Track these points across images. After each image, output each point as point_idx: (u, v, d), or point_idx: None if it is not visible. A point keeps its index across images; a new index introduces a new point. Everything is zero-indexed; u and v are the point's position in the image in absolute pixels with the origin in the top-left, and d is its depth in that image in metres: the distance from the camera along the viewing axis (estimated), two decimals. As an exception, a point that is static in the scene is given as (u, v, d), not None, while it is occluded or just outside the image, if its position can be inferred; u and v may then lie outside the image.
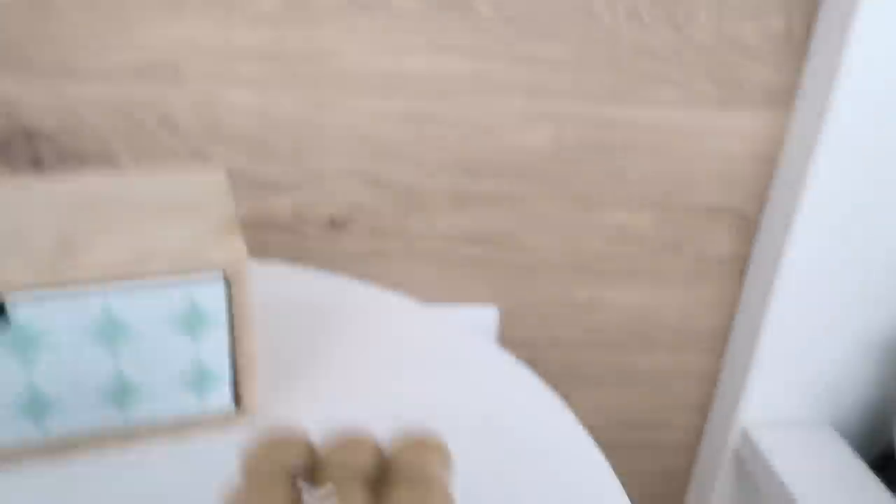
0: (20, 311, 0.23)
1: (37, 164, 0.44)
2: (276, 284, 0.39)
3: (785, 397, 0.51)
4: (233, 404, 0.28)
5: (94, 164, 0.44)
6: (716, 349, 0.53)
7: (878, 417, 0.53)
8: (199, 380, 0.27)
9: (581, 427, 0.31)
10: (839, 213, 0.45)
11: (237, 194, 0.45)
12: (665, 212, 0.48)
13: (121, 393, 0.26)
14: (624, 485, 0.59)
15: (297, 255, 0.48)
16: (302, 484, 0.20)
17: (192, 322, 0.26)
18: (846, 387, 0.51)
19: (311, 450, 0.20)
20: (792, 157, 0.45)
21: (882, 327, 0.49)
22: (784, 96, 0.44)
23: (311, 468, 0.20)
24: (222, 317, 0.26)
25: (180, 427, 0.28)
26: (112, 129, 0.43)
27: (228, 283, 0.26)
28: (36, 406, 0.25)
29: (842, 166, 0.44)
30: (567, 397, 0.54)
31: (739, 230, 0.49)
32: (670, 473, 0.59)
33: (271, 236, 0.47)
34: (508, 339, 0.52)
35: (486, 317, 0.50)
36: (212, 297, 0.26)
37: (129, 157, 0.44)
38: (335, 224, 0.47)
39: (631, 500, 0.60)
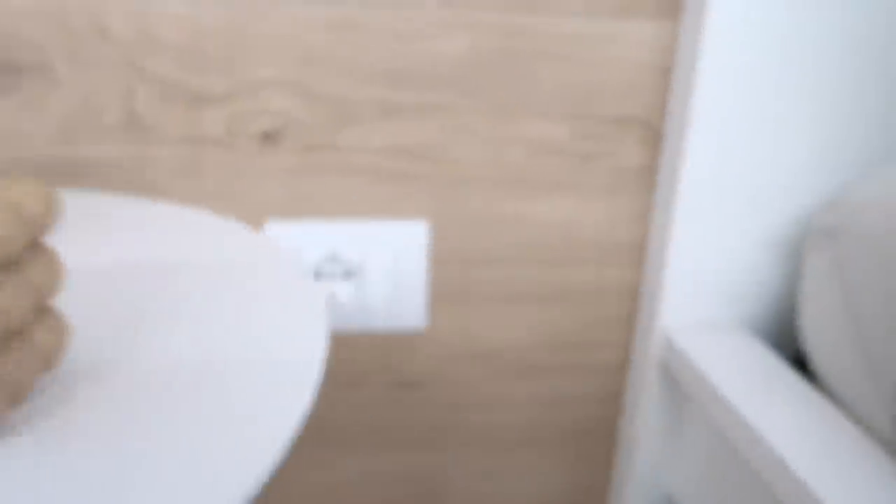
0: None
1: (-28, 76, 0.45)
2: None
3: (702, 303, 0.55)
4: None
5: (30, 74, 0.45)
6: (636, 261, 0.56)
7: (788, 317, 0.57)
8: None
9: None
10: (732, 118, 0.50)
11: (172, 108, 0.47)
12: (578, 122, 0.52)
13: None
14: (556, 410, 0.60)
15: (231, 171, 0.50)
16: None
17: None
18: (757, 288, 0.55)
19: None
20: (682, 66, 0.50)
21: (784, 225, 0.53)
22: (674, 5, 0.49)
23: None
24: None
25: None
26: (46, 38, 0.45)
27: None
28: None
29: (729, 71, 0.48)
30: (499, 316, 0.57)
31: (647, 140, 0.53)
32: (602, 396, 0.61)
33: (205, 152, 0.49)
34: (439, 255, 0.54)
35: (416, 231, 0.53)
36: None
37: (65, 68, 0.46)
38: (268, 138, 0.49)
39: (564, 429, 0.61)
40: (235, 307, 0.33)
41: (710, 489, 0.54)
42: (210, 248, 0.39)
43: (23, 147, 0.47)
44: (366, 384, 0.57)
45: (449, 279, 0.55)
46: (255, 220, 0.51)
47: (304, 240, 0.52)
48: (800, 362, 0.58)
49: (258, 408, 0.26)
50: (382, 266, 0.53)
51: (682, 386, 0.56)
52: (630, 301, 0.58)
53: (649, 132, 0.53)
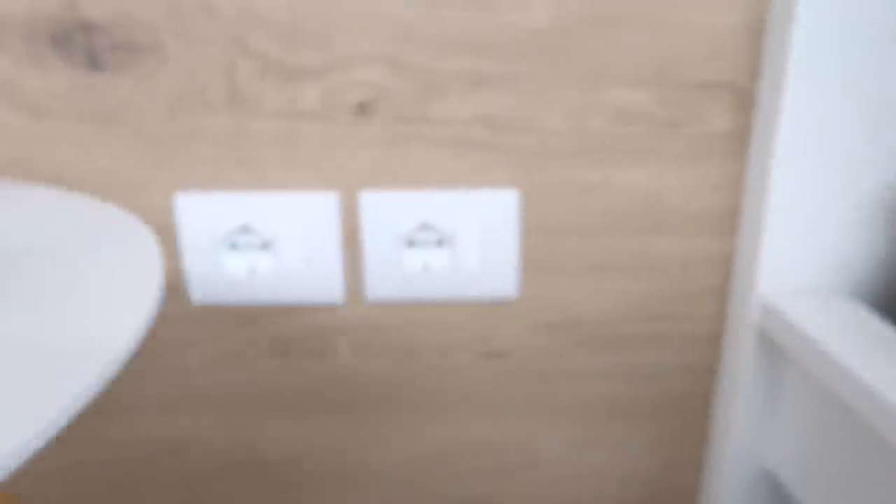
0: None
1: (92, 57, 0.48)
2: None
3: (801, 270, 0.53)
4: None
5: (143, 53, 0.48)
6: (726, 229, 0.55)
7: (891, 281, 0.54)
8: None
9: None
10: (830, 77, 0.49)
11: (271, 82, 0.49)
12: (664, 88, 0.51)
13: None
14: (646, 382, 0.60)
15: (325, 143, 0.51)
16: None
17: None
18: (859, 253, 0.53)
19: None
20: (776, 25, 0.49)
21: (886, 187, 0.51)
22: (765, -38, 0.49)
23: None
24: None
25: None
26: (158, 17, 0.48)
27: None
28: None
29: (826, 28, 0.47)
30: (588, 286, 0.56)
31: (736, 105, 0.52)
32: (694, 368, 0.59)
33: (302, 125, 0.51)
34: (525, 224, 0.54)
35: (507, 201, 0.53)
36: None
37: (174, 45, 0.48)
38: (362, 109, 0.51)
39: (654, 402, 0.60)
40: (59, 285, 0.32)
41: (816, 460, 0.52)
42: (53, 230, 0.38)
43: (138, 122, 0.50)
44: (455, 353, 0.58)
45: (536, 248, 0.55)
46: (348, 190, 0.53)
47: (396, 209, 0.53)
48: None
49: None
50: (473, 235, 0.54)
51: (785, 353, 0.54)
52: (721, 270, 0.56)
53: (738, 96, 0.52)
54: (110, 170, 0.51)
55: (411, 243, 0.54)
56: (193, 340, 0.57)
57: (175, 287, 0.55)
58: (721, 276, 0.57)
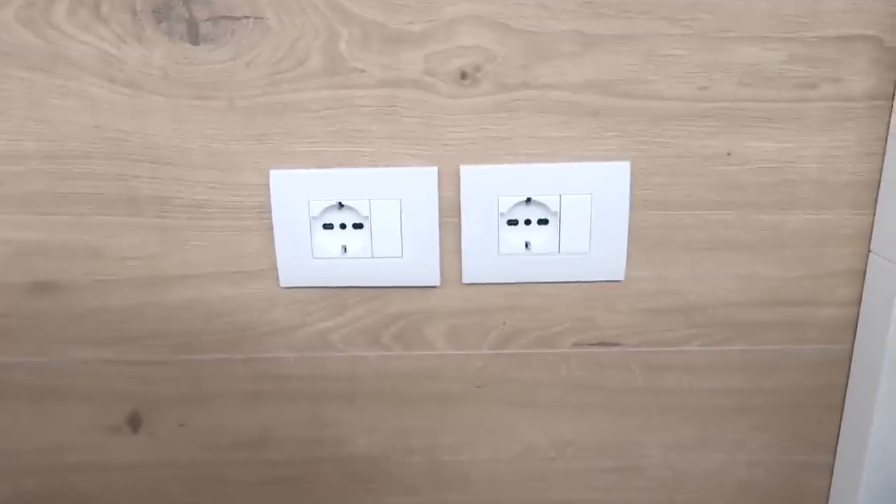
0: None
1: (192, 28, 0.47)
2: None
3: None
4: None
5: (244, 23, 0.47)
6: (865, 202, 0.50)
7: None
8: None
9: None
10: None
11: (372, 50, 0.47)
12: (796, 45, 0.46)
13: None
14: (770, 375, 0.54)
15: (427, 113, 0.49)
16: None
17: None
18: None
19: None
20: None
21: None
22: None
23: None
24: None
25: None
26: (261, -16, 0.46)
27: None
28: None
29: None
30: (705, 266, 0.52)
31: (879, 62, 0.47)
32: (825, 360, 0.54)
33: (403, 93, 0.48)
34: (638, 198, 0.50)
35: (618, 174, 0.49)
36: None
37: (274, 15, 0.47)
38: (465, 76, 0.48)
39: (779, 397, 0.55)
40: None
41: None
42: None
43: (235, 96, 0.49)
44: (556, 341, 0.54)
45: (650, 226, 0.51)
46: (449, 163, 0.50)
47: (498, 184, 0.50)
48: None
49: None
50: (581, 211, 0.50)
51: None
52: (858, 248, 0.51)
53: (883, 53, 0.47)
54: (206, 146, 0.50)
55: (513, 220, 0.51)
56: (281, 328, 0.55)
57: (265, 269, 0.53)
58: (859, 257, 0.51)
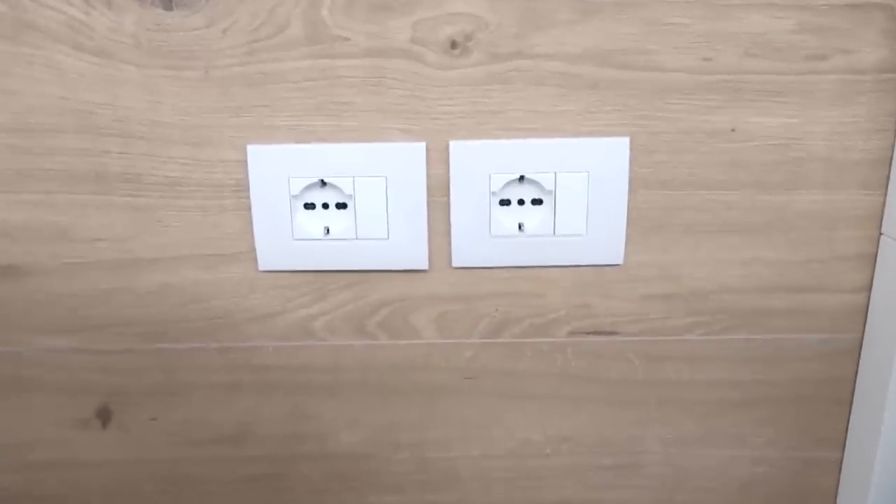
0: None
1: (165, -9, 0.45)
2: None
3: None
4: None
5: (218, -14, 0.44)
6: (878, 181, 0.47)
7: None
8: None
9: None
10: None
11: (356, 17, 0.45)
12: (804, 12, 0.44)
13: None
14: (776, 366, 0.52)
15: (416, 85, 0.46)
16: None
17: None
18: None
19: None
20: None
21: None
22: None
23: None
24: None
25: None
26: (238, -56, 0.44)
27: None
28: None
29: None
30: (707, 250, 0.49)
31: (892, 32, 0.44)
32: (834, 350, 0.51)
33: (390, 64, 0.46)
34: (637, 177, 0.48)
35: (616, 150, 0.47)
36: None
37: (253, -22, 0.44)
38: (455, 46, 0.45)
39: (785, 390, 0.52)
40: None
41: None
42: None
43: (211, 65, 0.46)
44: (551, 329, 0.51)
45: (650, 206, 0.48)
46: (438, 138, 0.47)
47: (490, 160, 0.47)
48: None
49: None
50: (577, 190, 0.47)
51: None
52: (869, 231, 0.48)
53: (894, 22, 0.44)
54: (180, 119, 0.47)
55: (506, 200, 0.48)
56: (260, 315, 0.52)
57: (243, 252, 0.50)
58: (870, 240, 0.49)
